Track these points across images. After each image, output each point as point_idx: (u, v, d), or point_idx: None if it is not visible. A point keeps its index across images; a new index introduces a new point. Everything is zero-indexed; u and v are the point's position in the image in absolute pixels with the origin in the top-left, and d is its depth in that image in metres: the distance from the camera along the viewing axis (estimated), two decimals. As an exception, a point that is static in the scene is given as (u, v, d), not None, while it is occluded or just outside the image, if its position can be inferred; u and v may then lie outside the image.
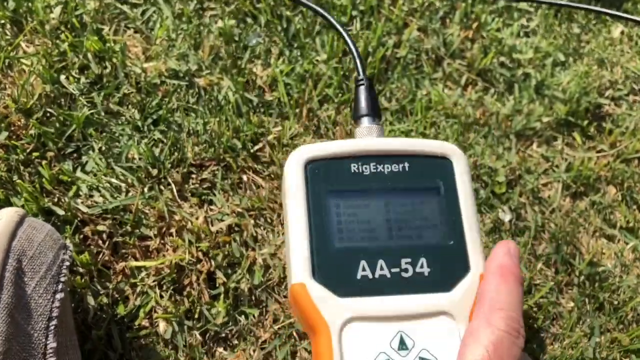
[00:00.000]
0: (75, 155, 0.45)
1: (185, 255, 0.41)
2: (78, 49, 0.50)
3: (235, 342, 0.40)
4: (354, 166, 0.32)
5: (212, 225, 0.43)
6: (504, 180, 0.48)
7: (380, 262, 0.30)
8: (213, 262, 0.42)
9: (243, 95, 0.49)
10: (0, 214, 0.33)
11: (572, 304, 0.43)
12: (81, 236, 0.42)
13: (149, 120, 0.47)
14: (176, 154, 0.46)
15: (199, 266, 0.41)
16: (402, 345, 0.28)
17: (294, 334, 0.40)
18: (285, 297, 0.41)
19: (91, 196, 0.43)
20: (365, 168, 0.32)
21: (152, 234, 0.43)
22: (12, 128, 0.45)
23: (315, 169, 0.32)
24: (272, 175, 0.46)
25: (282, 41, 0.53)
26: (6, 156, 0.43)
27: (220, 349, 0.39)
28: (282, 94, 0.50)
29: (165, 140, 0.46)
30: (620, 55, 0.57)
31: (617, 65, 0.56)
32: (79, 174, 0.44)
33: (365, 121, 0.35)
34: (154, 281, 0.41)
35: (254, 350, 0.39)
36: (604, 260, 0.46)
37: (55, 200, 0.43)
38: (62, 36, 0.50)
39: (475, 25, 0.56)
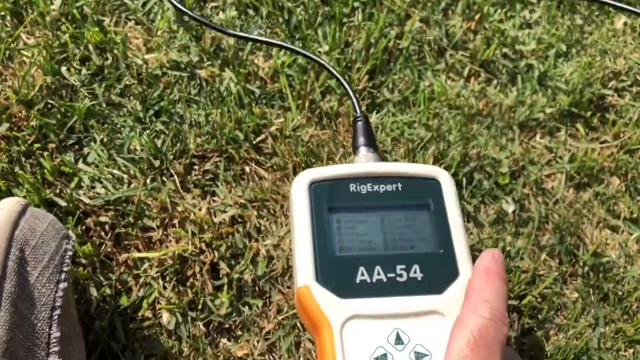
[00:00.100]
0: (76, 146, 0.45)
1: (188, 246, 0.41)
2: (79, 41, 0.49)
3: (239, 332, 0.40)
4: (353, 186, 0.36)
5: (215, 217, 0.43)
6: (508, 171, 0.47)
7: (377, 268, 0.33)
8: (216, 253, 0.41)
9: (245, 86, 0.49)
10: (2, 204, 0.33)
11: (576, 295, 0.43)
12: (83, 227, 0.42)
13: (151, 112, 0.47)
14: (178, 145, 0.46)
15: (202, 257, 0.41)
16: (398, 340, 0.31)
17: (298, 324, 0.40)
18: (288, 287, 0.41)
19: (93, 187, 0.43)
20: (363, 188, 0.36)
21: (154, 225, 0.42)
22: (13, 119, 0.45)
23: (317, 188, 0.36)
24: (275, 167, 0.46)
25: (283, 32, 0.53)
26: (7, 147, 0.43)
27: (224, 340, 0.39)
28: (284, 86, 0.50)
29: (167, 132, 0.46)
30: (623, 46, 0.56)
31: (620, 56, 0.56)
32: (80, 165, 0.44)
33: (363, 150, 0.40)
34: (157, 272, 0.41)
35: (257, 341, 0.39)
36: (608, 251, 0.45)
37: (57, 191, 0.42)
38: (63, 27, 0.50)
39: (477, 16, 0.56)
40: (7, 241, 0.31)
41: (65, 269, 0.33)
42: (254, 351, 0.39)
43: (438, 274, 0.33)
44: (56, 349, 0.31)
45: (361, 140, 0.41)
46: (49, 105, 0.46)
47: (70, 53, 0.49)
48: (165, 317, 0.39)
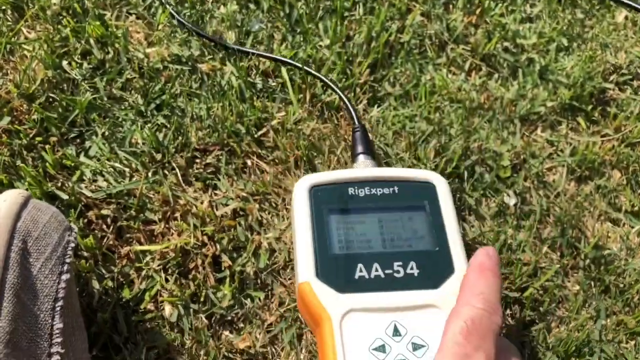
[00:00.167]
0: (78, 140, 0.45)
1: (190, 239, 0.41)
2: (80, 35, 0.49)
3: (241, 325, 0.40)
4: (351, 190, 0.38)
5: (217, 210, 0.43)
6: (509, 164, 0.47)
7: (375, 265, 0.34)
8: (218, 246, 0.41)
9: (246, 80, 0.49)
10: (4, 196, 0.33)
11: (577, 287, 0.43)
12: (85, 220, 0.42)
13: (152, 105, 0.47)
14: (180, 138, 0.46)
15: (204, 250, 0.41)
16: (396, 332, 0.32)
17: (300, 317, 0.40)
18: (290, 280, 0.41)
19: (95, 181, 0.43)
20: (361, 191, 0.38)
21: (156, 218, 0.42)
22: (15, 113, 0.45)
23: (318, 192, 0.38)
24: (277, 160, 0.46)
25: (284, 26, 0.53)
26: (9, 141, 0.43)
27: (226, 332, 0.39)
28: (285, 80, 0.50)
29: (168, 125, 0.46)
30: (624, 40, 0.56)
31: (621, 50, 0.56)
32: (82, 158, 0.44)
33: (361, 157, 0.42)
34: (159, 265, 0.41)
35: (259, 333, 0.39)
36: (610, 243, 0.45)
37: (59, 184, 0.42)
38: (64, 21, 0.50)
39: (478, 10, 0.56)
40: (9, 232, 0.31)
41: (67, 260, 0.33)
42: (256, 343, 0.39)
43: (434, 270, 0.35)
44: (59, 340, 0.31)
45: (359, 148, 0.43)
46: (50, 99, 0.46)
47: (71, 47, 0.49)
48: (167, 309, 0.39)
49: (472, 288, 0.32)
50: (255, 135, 0.47)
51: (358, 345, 0.31)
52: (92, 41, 0.49)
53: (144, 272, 0.40)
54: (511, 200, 0.46)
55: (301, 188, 0.38)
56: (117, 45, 0.49)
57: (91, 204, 0.42)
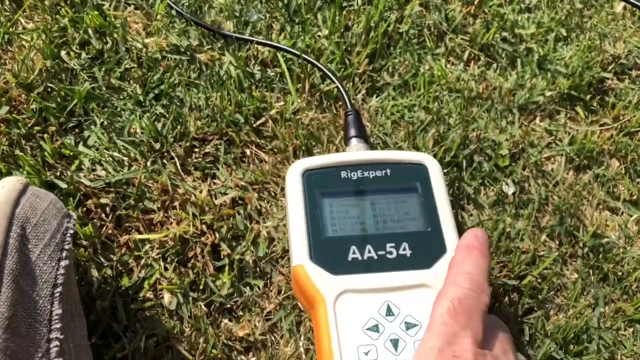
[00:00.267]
0: (77, 129, 0.45)
1: (189, 227, 0.41)
2: (78, 25, 0.49)
3: (240, 313, 0.40)
4: (344, 173, 0.38)
5: (216, 199, 0.43)
6: (507, 153, 0.47)
7: (368, 246, 0.35)
8: (217, 235, 0.41)
9: (245, 70, 0.49)
10: (2, 183, 0.33)
11: (576, 275, 0.43)
12: (84, 209, 0.42)
13: (151, 95, 0.47)
14: (179, 128, 0.46)
15: (203, 238, 0.41)
16: (389, 312, 0.32)
17: (299, 304, 0.40)
18: (288, 268, 0.41)
19: (94, 170, 0.43)
20: (353, 174, 0.38)
21: (155, 207, 0.42)
22: (13, 103, 0.45)
23: (311, 176, 0.38)
24: (275, 150, 0.46)
25: (283, 17, 0.53)
26: (7, 130, 0.43)
27: (226, 320, 0.39)
28: (284, 69, 0.50)
29: (167, 115, 0.46)
30: (622, 29, 0.56)
31: (619, 40, 0.56)
32: (81, 148, 0.44)
33: (354, 141, 0.43)
34: (158, 254, 0.41)
35: (259, 321, 0.39)
36: (608, 232, 0.46)
37: (58, 174, 0.42)
38: (62, 11, 0.49)
39: (477, 0, 0.56)
40: (8, 219, 0.31)
41: (66, 247, 0.33)
42: (255, 331, 0.39)
43: (426, 251, 0.35)
44: (58, 325, 0.31)
45: (352, 132, 0.43)
46: (49, 89, 0.46)
47: (69, 37, 0.49)
48: (166, 297, 0.39)
49: (459, 268, 0.32)
50: (254, 125, 0.47)
51: (352, 326, 0.32)
52: (90, 31, 0.49)
53: (143, 261, 0.41)
54: (510, 189, 0.46)
55: (294, 172, 0.38)
56: (115, 35, 0.49)
57: (90, 193, 0.42)
